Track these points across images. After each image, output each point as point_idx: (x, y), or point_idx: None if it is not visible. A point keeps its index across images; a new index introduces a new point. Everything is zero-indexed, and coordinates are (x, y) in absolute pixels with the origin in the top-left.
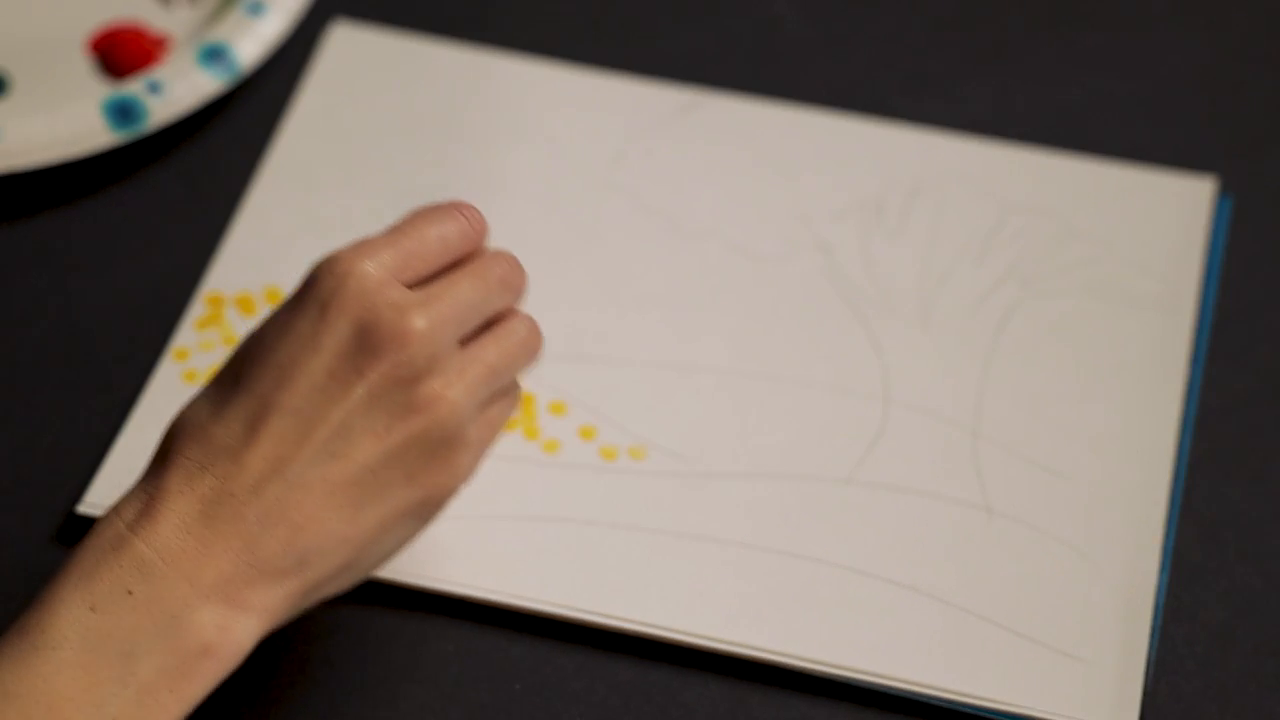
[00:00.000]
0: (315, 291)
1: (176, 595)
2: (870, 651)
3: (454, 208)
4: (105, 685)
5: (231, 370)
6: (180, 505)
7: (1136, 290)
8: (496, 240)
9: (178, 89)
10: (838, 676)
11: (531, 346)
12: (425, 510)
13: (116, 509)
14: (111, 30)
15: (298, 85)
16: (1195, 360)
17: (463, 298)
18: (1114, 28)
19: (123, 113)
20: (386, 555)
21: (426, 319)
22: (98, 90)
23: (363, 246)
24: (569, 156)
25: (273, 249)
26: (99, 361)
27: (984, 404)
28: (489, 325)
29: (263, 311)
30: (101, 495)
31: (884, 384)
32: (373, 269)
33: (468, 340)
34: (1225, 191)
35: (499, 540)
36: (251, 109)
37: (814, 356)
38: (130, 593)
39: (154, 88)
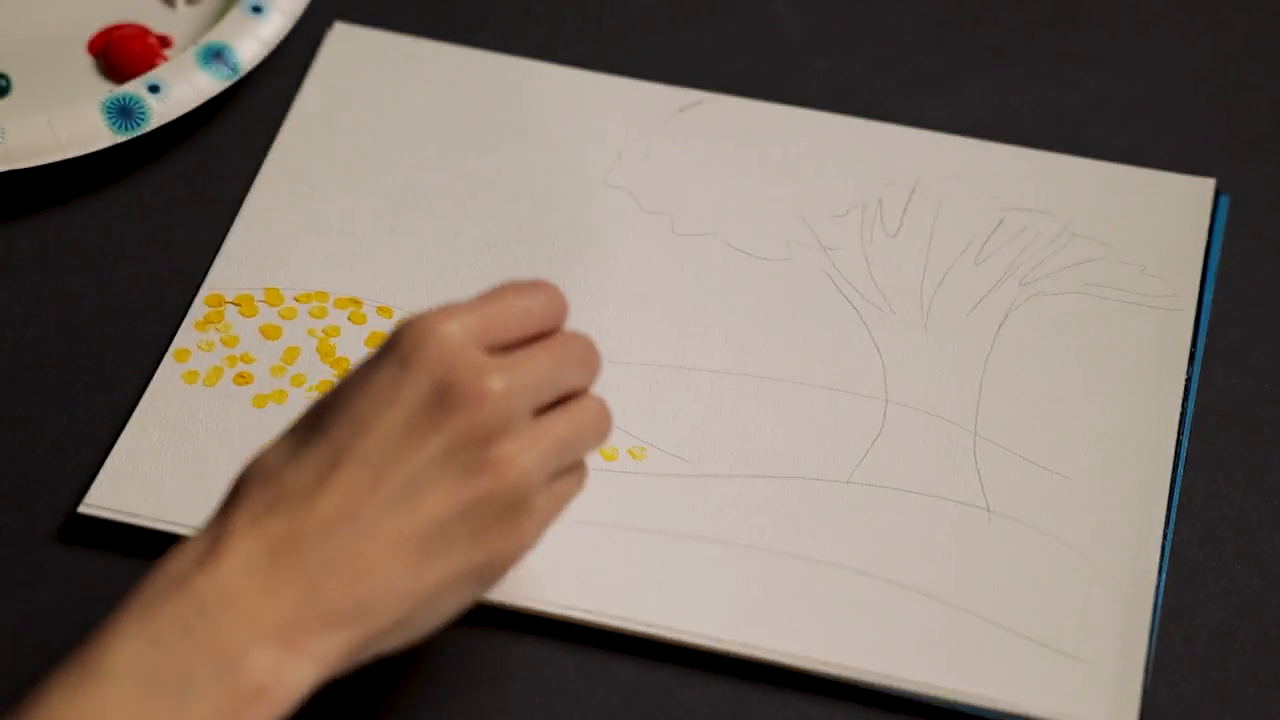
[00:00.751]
0: (397, 348)
1: (235, 635)
2: (870, 651)
3: (539, 284)
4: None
5: (308, 420)
6: (245, 546)
7: (1136, 290)
8: (495, 239)
9: (178, 89)
10: (838, 676)
11: (602, 428)
12: (486, 574)
13: (182, 546)
14: (113, 31)
15: (298, 85)
16: (1194, 360)
17: (540, 369)
18: (1114, 28)
19: (123, 113)
20: (442, 617)
21: (504, 382)
22: (98, 90)
23: (448, 309)
24: (569, 156)
25: (273, 249)
26: (99, 361)
27: (984, 404)
28: (562, 401)
29: (263, 311)
30: (101, 495)
31: (884, 384)
32: (455, 330)
33: (541, 413)
34: (1223, 192)
35: None
36: (251, 109)
37: (814, 356)
38: (189, 629)
39: (154, 88)
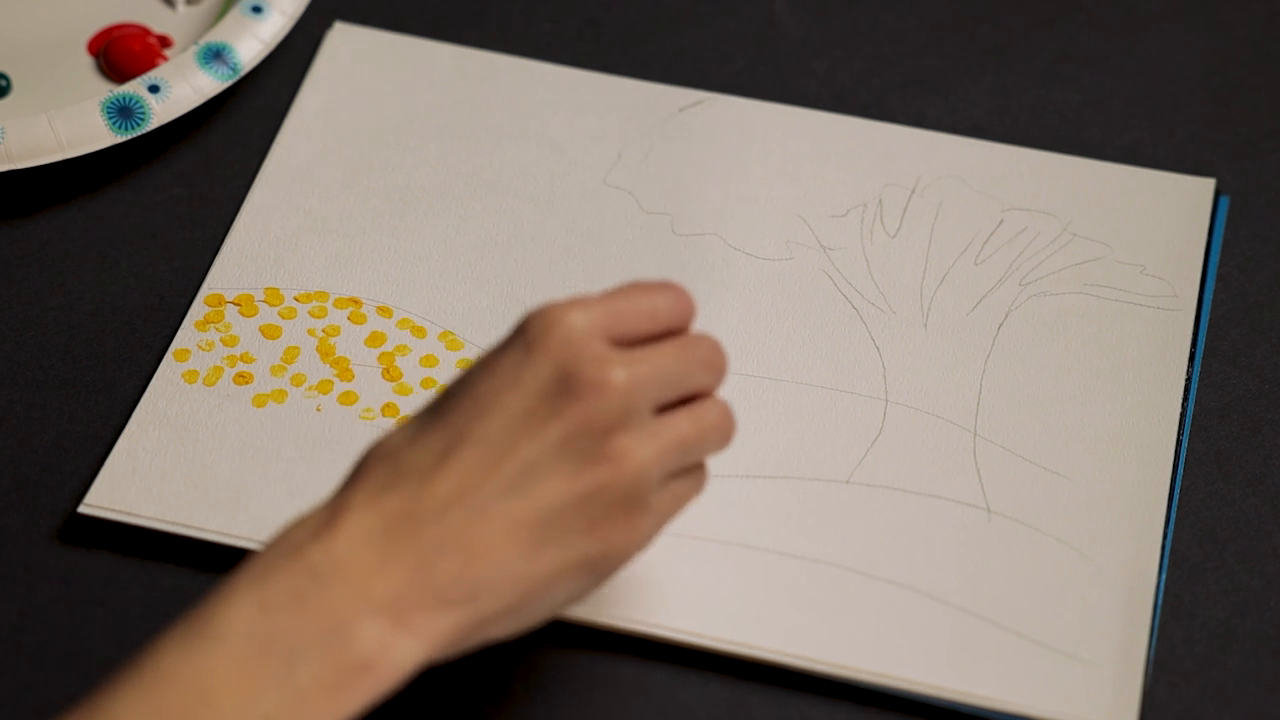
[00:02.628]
0: (523, 335)
1: (346, 606)
2: (870, 651)
3: (668, 285)
4: (263, 684)
5: (433, 405)
6: (362, 519)
7: (1136, 290)
8: (495, 239)
9: (178, 89)
10: (838, 676)
11: (725, 431)
12: (601, 566)
13: (301, 519)
14: (113, 31)
15: (298, 85)
16: (1194, 360)
17: (664, 366)
18: (1114, 28)
19: (123, 113)
20: (554, 607)
21: (626, 375)
22: (98, 90)
23: (577, 300)
24: (569, 157)
25: (273, 249)
26: (99, 361)
27: (984, 404)
28: (685, 402)
29: (262, 311)
30: (102, 495)
31: (884, 384)
32: (581, 320)
33: (663, 411)
34: (1223, 192)
35: None
36: (251, 109)
37: (814, 356)
38: (301, 597)
39: (154, 88)
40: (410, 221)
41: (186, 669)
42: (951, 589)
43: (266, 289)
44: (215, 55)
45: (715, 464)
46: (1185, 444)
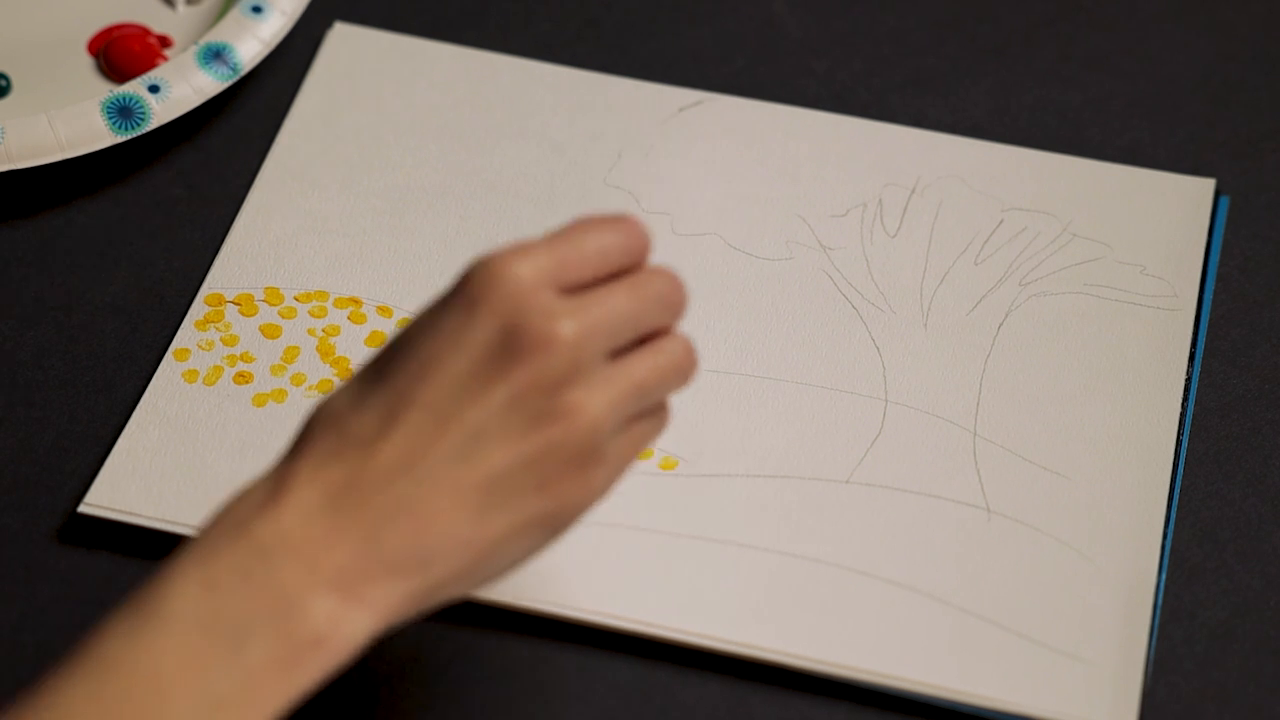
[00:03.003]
0: (466, 290)
1: (294, 581)
2: (870, 651)
3: (618, 219)
4: (213, 666)
5: (375, 364)
6: (307, 492)
7: (1136, 290)
8: (495, 239)
9: (178, 89)
10: (838, 676)
11: (685, 368)
12: (554, 523)
13: (244, 492)
14: (113, 31)
15: (298, 85)
16: (1194, 360)
17: (616, 309)
18: (1114, 28)
19: (123, 113)
20: (508, 567)
21: (575, 326)
22: (98, 90)
23: (518, 249)
24: (569, 156)
25: (273, 249)
26: (99, 361)
27: (984, 404)
28: (643, 342)
29: (262, 311)
30: (102, 495)
31: (884, 384)
32: (526, 271)
33: (619, 354)
34: (1223, 192)
35: None
36: (251, 109)
37: (814, 356)
38: (248, 575)
39: (154, 88)
40: (410, 221)
41: (133, 654)
42: (951, 589)
43: (266, 289)
44: (215, 55)
45: (716, 464)
46: (1185, 444)
